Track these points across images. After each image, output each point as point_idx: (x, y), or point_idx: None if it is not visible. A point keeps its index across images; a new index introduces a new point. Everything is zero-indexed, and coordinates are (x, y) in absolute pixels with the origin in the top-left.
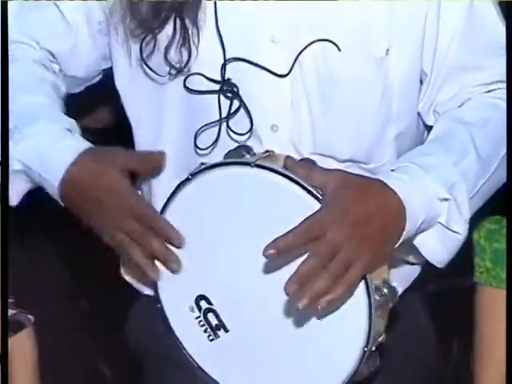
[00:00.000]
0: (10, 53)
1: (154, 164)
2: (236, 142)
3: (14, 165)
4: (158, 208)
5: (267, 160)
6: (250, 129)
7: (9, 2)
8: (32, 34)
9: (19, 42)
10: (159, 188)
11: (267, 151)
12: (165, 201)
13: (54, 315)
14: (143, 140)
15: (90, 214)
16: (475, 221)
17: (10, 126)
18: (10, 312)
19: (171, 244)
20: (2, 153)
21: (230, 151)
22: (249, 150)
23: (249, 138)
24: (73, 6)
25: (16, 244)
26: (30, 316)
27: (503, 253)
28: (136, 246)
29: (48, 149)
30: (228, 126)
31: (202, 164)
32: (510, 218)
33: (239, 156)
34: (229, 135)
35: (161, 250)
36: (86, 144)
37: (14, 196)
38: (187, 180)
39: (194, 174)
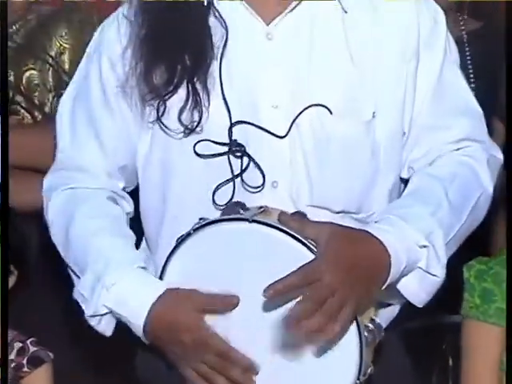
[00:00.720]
0: (75, 187)
1: (227, 306)
2: (249, 193)
3: (101, 311)
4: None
5: (263, 215)
6: (263, 183)
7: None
8: (91, 164)
9: (74, 170)
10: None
11: (261, 207)
12: (167, 254)
13: (72, 353)
14: (157, 199)
15: (172, 350)
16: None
17: (92, 272)
18: (32, 349)
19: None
20: (2, 153)
21: (225, 208)
22: (243, 206)
23: (260, 191)
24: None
25: (39, 286)
26: (50, 353)
27: (491, 291)
28: (220, 376)
29: (131, 295)
30: (243, 180)
31: (201, 219)
32: (510, 227)
33: (235, 212)
34: (244, 189)
35: (241, 378)
36: (163, 285)
37: (107, 331)
38: (188, 235)
39: (194, 230)
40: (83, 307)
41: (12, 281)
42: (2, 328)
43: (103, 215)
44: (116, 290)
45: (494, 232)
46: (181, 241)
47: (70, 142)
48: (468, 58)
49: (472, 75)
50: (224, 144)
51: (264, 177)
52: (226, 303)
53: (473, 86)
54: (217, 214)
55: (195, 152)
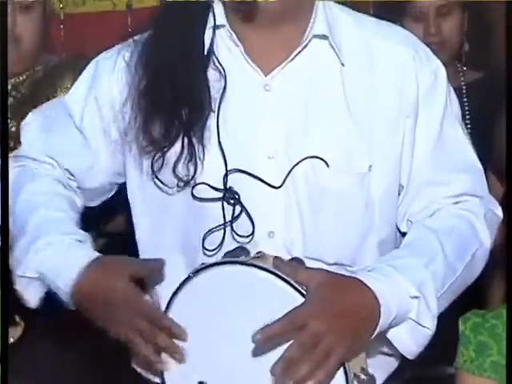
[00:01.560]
0: (29, 168)
1: (155, 270)
2: (239, 243)
3: (29, 273)
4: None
5: (258, 259)
6: (252, 232)
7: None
8: (53, 154)
9: (41, 161)
10: (170, 286)
11: (259, 252)
12: (170, 296)
13: None
14: (151, 246)
15: (101, 316)
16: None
17: (28, 237)
18: None
19: (176, 339)
20: (2, 155)
21: (228, 252)
22: (245, 251)
23: (250, 240)
24: (93, 128)
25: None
26: None
27: (487, 344)
28: (145, 343)
29: (60, 258)
30: (232, 229)
31: (202, 264)
32: (510, 236)
33: (236, 256)
34: (233, 238)
35: (167, 345)
36: (95, 254)
37: (32, 299)
38: (189, 278)
39: (195, 273)
40: (15, 269)
41: (18, 332)
42: (2, 328)
43: (49, 192)
44: (47, 252)
45: (492, 286)
46: (181, 285)
47: (39, 139)
48: (466, 109)
49: (470, 126)
50: (220, 190)
51: (254, 226)
52: (152, 268)
53: (470, 136)
54: (206, 259)
55: (192, 194)
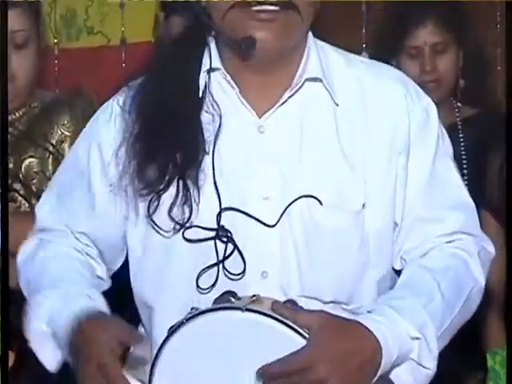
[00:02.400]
0: (42, 241)
1: (133, 342)
2: (232, 280)
3: (42, 326)
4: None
5: (255, 304)
6: (244, 271)
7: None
8: (66, 221)
9: (54, 229)
10: (166, 326)
11: (253, 295)
12: (159, 344)
13: None
14: (147, 286)
15: (79, 372)
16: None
17: (40, 295)
18: None
19: None
20: (2, 156)
21: (217, 298)
22: (234, 294)
23: (241, 279)
24: (98, 178)
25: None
26: None
27: None
28: None
29: (67, 308)
30: (224, 267)
31: (193, 309)
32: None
33: (226, 301)
34: (226, 276)
35: None
36: (98, 308)
37: (49, 361)
38: (181, 325)
39: (187, 319)
40: (28, 328)
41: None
42: (2, 329)
43: (65, 256)
44: (56, 303)
45: (489, 325)
46: (173, 331)
47: (53, 208)
48: (462, 145)
49: (465, 162)
50: (212, 229)
51: (245, 265)
52: (132, 339)
53: (465, 171)
54: (200, 298)
55: (184, 237)
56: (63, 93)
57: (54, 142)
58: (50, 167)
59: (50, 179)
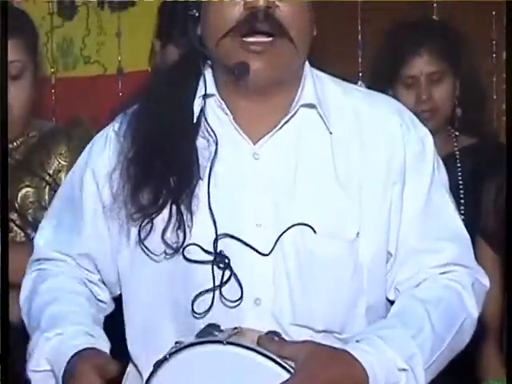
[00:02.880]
0: (43, 271)
1: (110, 373)
2: (227, 307)
3: (40, 365)
4: None
5: (237, 336)
6: (241, 297)
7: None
8: (65, 249)
9: (54, 259)
10: (159, 351)
11: (235, 328)
12: (145, 379)
13: None
14: (141, 311)
15: None
16: None
17: (40, 331)
18: None
19: None
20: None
21: (200, 331)
22: (217, 327)
23: (238, 305)
24: (93, 204)
25: None
26: None
27: None
28: None
29: (63, 345)
30: (221, 293)
31: (177, 343)
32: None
33: (209, 334)
34: (222, 302)
35: None
36: (91, 344)
37: None
38: (165, 360)
39: (170, 354)
40: (28, 365)
41: None
42: (1, 327)
43: (65, 291)
44: (54, 341)
45: (485, 357)
46: (157, 366)
47: (50, 236)
48: (459, 174)
49: (462, 191)
50: (210, 253)
51: (242, 291)
52: (110, 371)
53: (462, 201)
54: (195, 322)
55: (183, 256)
56: (61, 122)
57: (50, 171)
58: (47, 197)
59: (46, 209)
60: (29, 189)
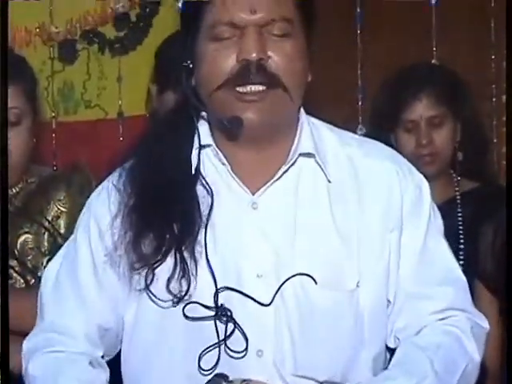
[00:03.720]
0: (50, 357)
1: None
2: (233, 358)
3: None
4: None
5: None
6: (246, 348)
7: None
8: (69, 322)
9: (57, 332)
10: None
11: (244, 380)
12: None
13: None
14: (137, 366)
15: None
16: None
17: None
18: None
19: None
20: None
21: (208, 381)
22: (225, 378)
23: (243, 356)
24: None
25: None
26: None
27: None
28: None
29: None
30: (226, 346)
31: None
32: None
33: None
34: (226, 353)
35: None
36: None
37: None
38: None
39: None
40: None
41: None
42: (2, 329)
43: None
44: None
45: None
46: None
47: (53, 305)
48: (460, 219)
49: (462, 236)
50: (211, 308)
51: (247, 343)
52: None
53: (461, 247)
54: (202, 379)
55: (184, 314)
56: (62, 167)
57: (49, 217)
58: (46, 243)
59: (45, 255)
60: (28, 235)
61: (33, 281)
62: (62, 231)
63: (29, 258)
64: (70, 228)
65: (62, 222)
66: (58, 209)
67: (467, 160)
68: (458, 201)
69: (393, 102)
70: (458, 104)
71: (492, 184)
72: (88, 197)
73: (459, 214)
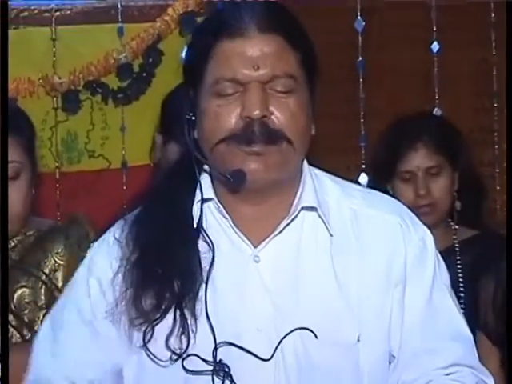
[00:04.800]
0: None
1: None
2: None
3: None
4: None
5: None
6: None
7: None
8: (69, 372)
9: (52, 380)
10: None
11: None
12: None
13: None
14: None
15: None
16: None
17: None
18: None
19: None
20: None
21: None
22: None
23: None
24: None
25: None
26: None
27: None
28: None
29: None
30: None
31: None
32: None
33: None
34: None
35: None
36: None
37: None
38: None
39: None
40: None
41: None
42: (1, 327)
43: None
44: None
45: None
46: None
47: (50, 354)
48: (459, 268)
49: (461, 285)
50: (209, 362)
51: None
52: None
53: (461, 295)
54: None
55: (183, 367)
56: (59, 221)
57: (47, 271)
58: (43, 297)
59: (42, 309)
60: (25, 289)
61: (29, 335)
62: (60, 284)
63: (25, 312)
64: (68, 281)
65: (59, 275)
66: (56, 262)
67: (465, 209)
68: (457, 249)
69: (391, 152)
70: (455, 153)
71: (491, 232)
72: (86, 249)
73: (458, 263)
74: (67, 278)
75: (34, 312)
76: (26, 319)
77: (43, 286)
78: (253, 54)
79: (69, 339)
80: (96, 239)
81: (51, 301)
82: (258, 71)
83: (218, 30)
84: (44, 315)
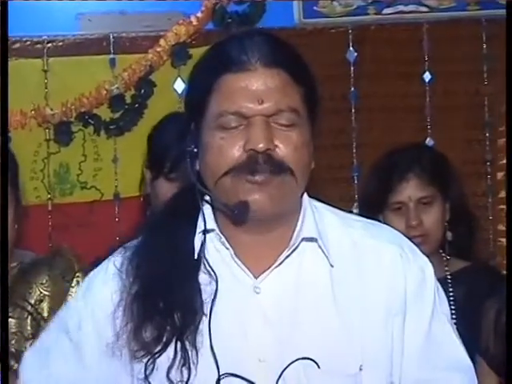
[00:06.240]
0: None
1: None
2: None
3: None
4: None
5: None
6: None
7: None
8: None
9: None
10: None
11: None
12: None
13: None
14: None
15: None
16: None
17: None
18: None
19: None
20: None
21: None
22: None
23: None
24: (89, 341)
25: None
26: None
27: None
28: None
29: None
30: None
31: None
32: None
33: None
34: None
35: None
36: None
37: None
38: None
39: None
40: None
41: None
42: (1, 326)
43: None
44: None
45: None
46: None
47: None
48: (451, 299)
49: (454, 317)
50: None
51: None
52: None
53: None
54: None
55: None
56: (43, 254)
57: (32, 301)
58: (29, 327)
59: (28, 340)
60: (11, 319)
61: (16, 366)
62: (45, 315)
63: (12, 342)
64: (54, 311)
65: (44, 306)
66: (41, 292)
67: (457, 239)
68: (449, 281)
69: (383, 183)
70: (446, 183)
71: (482, 263)
72: (71, 280)
73: (451, 294)
74: (53, 309)
75: (20, 342)
76: (12, 349)
77: (29, 317)
78: (257, 87)
79: (58, 366)
80: (81, 270)
81: (37, 331)
82: (263, 105)
83: (222, 64)
84: (30, 345)
